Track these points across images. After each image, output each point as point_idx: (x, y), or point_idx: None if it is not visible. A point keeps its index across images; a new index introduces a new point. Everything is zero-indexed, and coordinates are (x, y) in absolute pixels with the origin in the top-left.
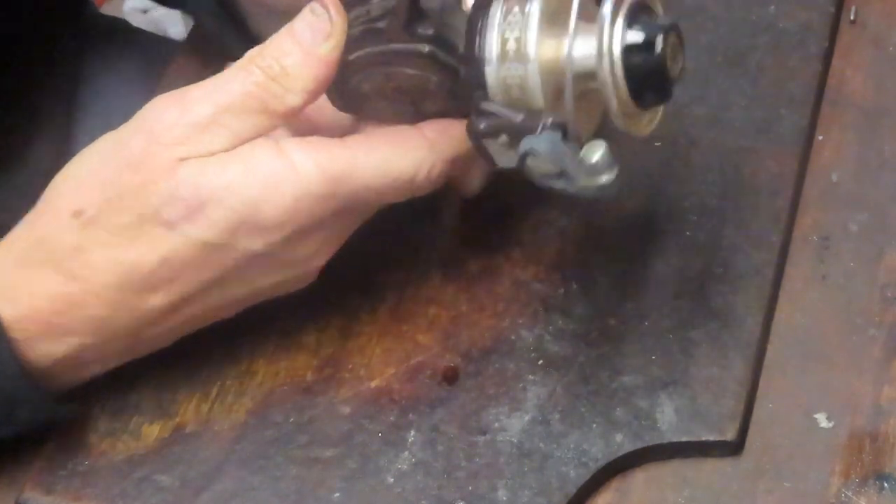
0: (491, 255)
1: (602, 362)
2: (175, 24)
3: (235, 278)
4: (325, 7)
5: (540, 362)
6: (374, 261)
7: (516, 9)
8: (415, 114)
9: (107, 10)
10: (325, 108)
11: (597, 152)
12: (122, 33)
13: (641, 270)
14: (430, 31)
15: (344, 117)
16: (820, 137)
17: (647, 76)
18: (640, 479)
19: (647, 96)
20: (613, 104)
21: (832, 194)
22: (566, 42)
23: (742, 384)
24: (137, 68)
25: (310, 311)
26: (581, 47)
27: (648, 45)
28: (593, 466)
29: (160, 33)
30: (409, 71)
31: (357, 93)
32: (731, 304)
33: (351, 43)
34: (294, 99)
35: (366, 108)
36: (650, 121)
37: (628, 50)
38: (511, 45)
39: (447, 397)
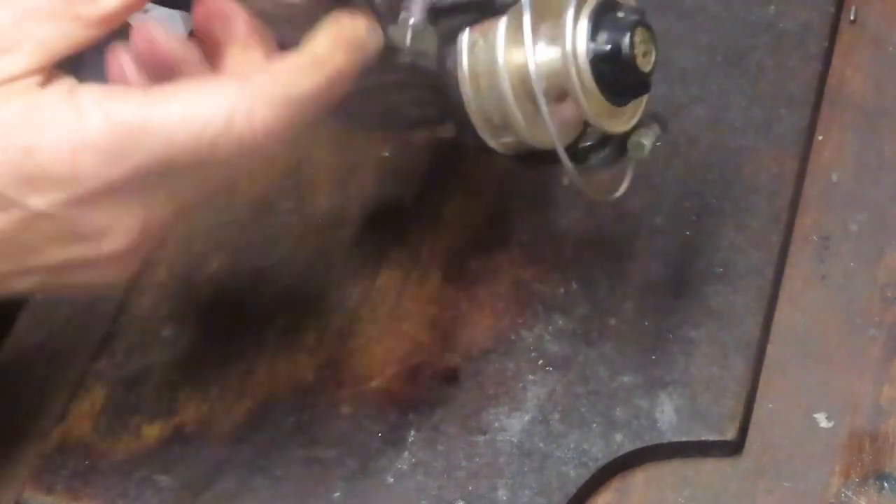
0: (491, 255)
1: (602, 362)
2: (175, 24)
3: (17, 244)
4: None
5: (540, 362)
6: (373, 261)
7: (480, 40)
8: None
9: None
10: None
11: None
12: (121, 33)
13: (641, 270)
14: (406, 61)
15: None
16: (820, 137)
17: (618, 78)
18: (640, 479)
19: (621, 96)
20: (587, 109)
21: (832, 194)
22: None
23: (742, 384)
24: None
25: (310, 311)
26: (546, 56)
27: (615, 47)
28: (593, 466)
29: None
30: (393, 97)
31: (348, 113)
32: (731, 304)
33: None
34: (108, 2)
35: (358, 122)
36: (632, 115)
37: (595, 55)
38: (483, 81)
39: (447, 397)
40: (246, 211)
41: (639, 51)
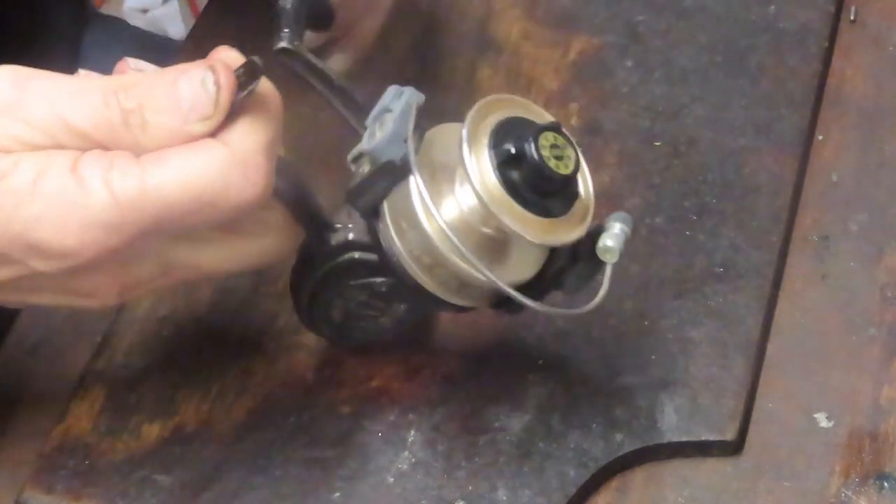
0: None
1: (602, 362)
2: (175, 24)
3: (14, 287)
4: (218, 85)
5: (540, 362)
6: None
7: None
8: (393, 317)
9: (106, 9)
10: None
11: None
12: (121, 33)
13: (641, 270)
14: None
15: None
16: (820, 137)
17: (535, 186)
18: (640, 479)
19: (548, 205)
20: (521, 230)
21: (832, 194)
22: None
23: (742, 384)
24: None
25: None
26: (465, 199)
27: (518, 155)
28: (593, 466)
29: (160, 33)
30: (353, 283)
31: (336, 323)
32: (731, 304)
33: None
34: (131, 157)
35: (356, 333)
36: (581, 219)
37: (501, 175)
38: (419, 252)
39: (447, 397)
40: None
41: (549, 153)
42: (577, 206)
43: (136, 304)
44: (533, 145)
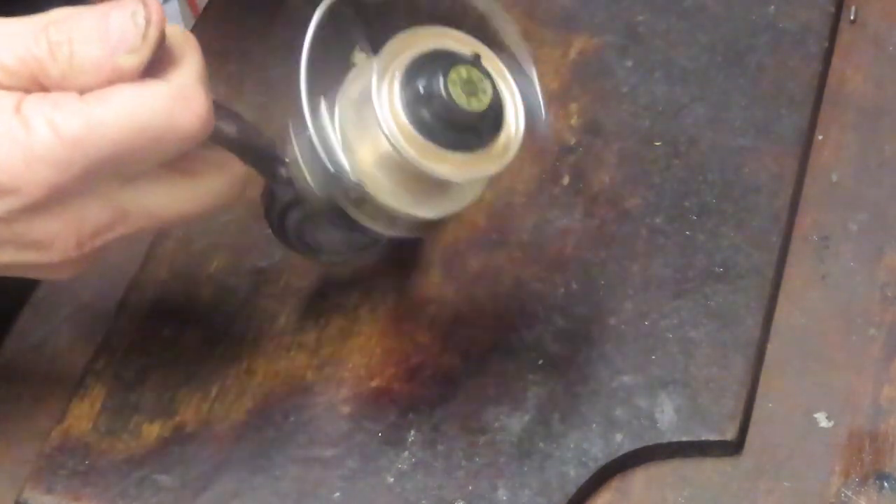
0: (491, 255)
1: (602, 362)
2: (175, 24)
3: None
4: (148, 20)
5: (540, 362)
6: (374, 261)
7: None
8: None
9: None
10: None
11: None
12: None
13: (641, 270)
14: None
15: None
16: (820, 137)
17: (457, 129)
18: (640, 479)
19: (475, 140)
20: (437, 172)
21: (832, 194)
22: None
23: (742, 384)
24: None
25: (310, 311)
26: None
27: (434, 102)
28: (593, 466)
29: None
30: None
31: (312, 246)
32: (731, 304)
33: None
34: (75, 96)
35: (333, 256)
36: (503, 151)
37: (416, 121)
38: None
39: (447, 397)
40: (246, 211)
41: (460, 89)
42: (503, 137)
43: (136, 303)
44: (441, 82)
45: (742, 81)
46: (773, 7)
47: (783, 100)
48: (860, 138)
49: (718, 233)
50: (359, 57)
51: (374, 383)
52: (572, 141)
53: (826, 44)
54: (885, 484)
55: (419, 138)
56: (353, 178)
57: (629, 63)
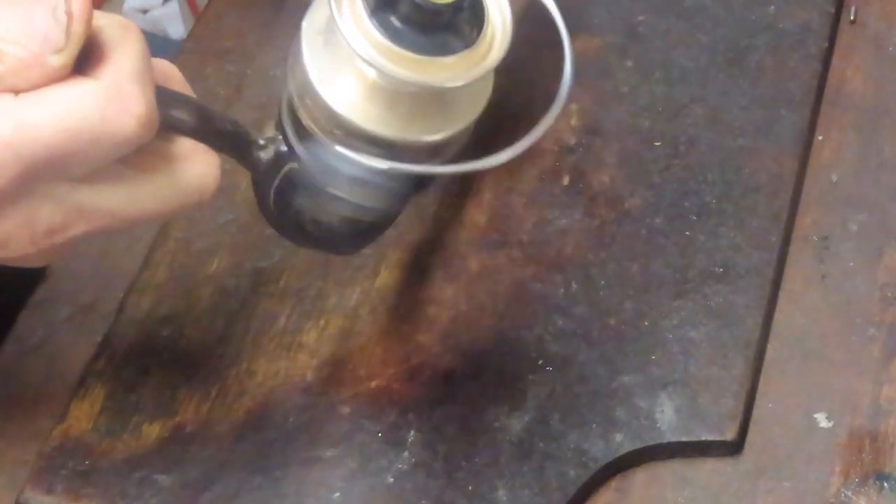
0: (491, 255)
1: (602, 362)
2: (175, 24)
3: None
4: (69, 15)
5: (540, 362)
6: (373, 261)
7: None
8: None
9: (107, 10)
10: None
11: None
12: None
13: (641, 270)
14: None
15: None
16: (820, 137)
17: (423, 28)
18: (640, 479)
19: (455, 40)
20: (416, 78)
21: (832, 194)
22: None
23: (742, 384)
24: None
25: (310, 311)
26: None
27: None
28: (593, 466)
29: (160, 33)
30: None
31: (311, 233)
32: (731, 304)
33: None
34: (9, 97)
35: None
36: (492, 45)
37: (385, 28)
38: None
39: (447, 397)
40: (246, 211)
41: None
42: (489, 31)
43: (136, 304)
44: None
45: (742, 82)
46: (772, 7)
47: (783, 100)
48: (860, 138)
49: (718, 233)
50: None
51: (374, 383)
52: (572, 141)
53: (826, 44)
54: (885, 484)
55: (396, 50)
56: (338, 111)
57: (629, 63)
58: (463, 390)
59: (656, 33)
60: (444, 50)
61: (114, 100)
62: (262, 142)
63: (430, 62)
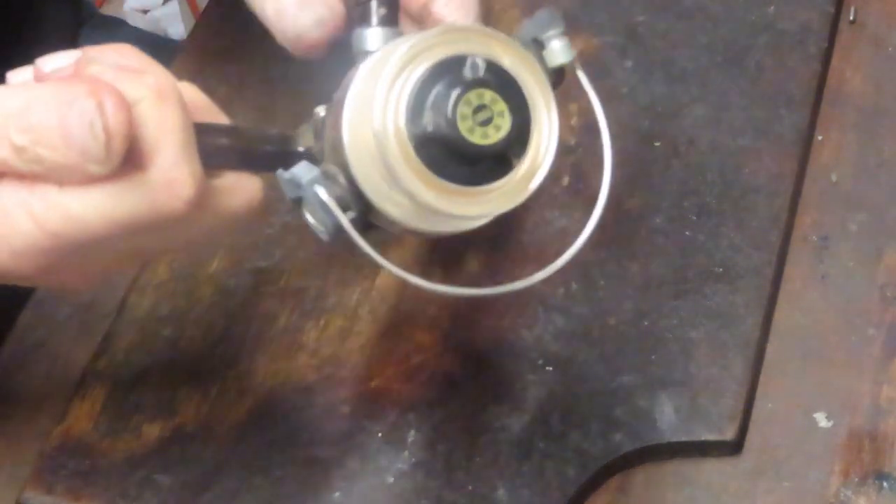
0: (491, 254)
1: (602, 362)
2: (175, 24)
3: None
4: (107, 133)
5: (540, 362)
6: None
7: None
8: None
9: (107, 10)
10: None
11: None
12: (121, 33)
13: (641, 270)
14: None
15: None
16: (819, 137)
17: (448, 157)
18: (639, 479)
19: (464, 174)
20: (447, 209)
21: (832, 194)
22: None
23: (741, 384)
24: None
25: (310, 311)
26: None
27: (435, 127)
28: (593, 466)
29: (160, 33)
30: None
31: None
32: (731, 304)
33: None
34: (42, 184)
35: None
36: (531, 175)
37: (413, 138)
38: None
39: (447, 397)
40: None
41: (472, 122)
42: (526, 164)
43: (136, 304)
44: (446, 116)
45: (742, 81)
46: (772, 7)
47: (783, 100)
48: (860, 138)
49: (718, 233)
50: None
51: (374, 383)
52: (572, 141)
53: (825, 44)
54: (885, 484)
55: (434, 180)
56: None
57: (629, 63)
58: (463, 390)
59: (656, 33)
60: (480, 178)
61: (163, 190)
62: (300, 149)
63: (461, 191)
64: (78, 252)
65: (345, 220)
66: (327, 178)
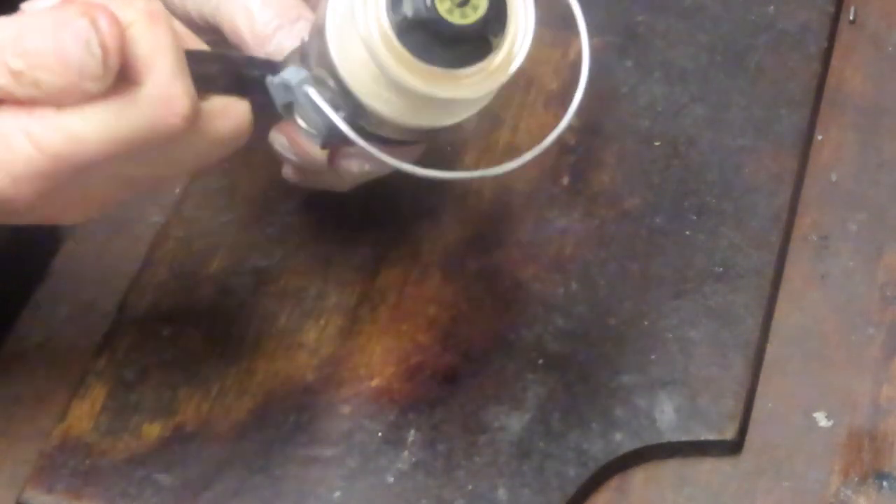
0: (491, 255)
1: (602, 362)
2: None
3: None
4: (104, 48)
5: (540, 362)
6: (373, 261)
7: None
8: None
9: None
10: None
11: None
12: None
13: (641, 270)
14: None
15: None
16: (819, 137)
17: (450, 45)
18: (639, 479)
19: (441, 55)
20: (425, 89)
21: (832, 194)
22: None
23: (741, 384)
24: None
25: (310, 311)
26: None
27: (420, 22)
28: (593, 466)
29: None
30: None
31: None
32: (731, 304)
33: None
34: (41, 107)
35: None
36: (509, 59)
37: (393, 21)
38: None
39: (447, 397)
40: (246, 211)
41: (448, 2)
42: (506, 47)
43: (136, 304)
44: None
45: (741, 81)
46: (772, 7)
47: (783, 100)
48: (860, 138)
49: (718, 233)
50: None
51: (374, 383)
52: (572, 141)
53: (825, 44)
54: (885, 483)
55: (414, 62)
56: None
57: (629, 63)
58: (463, 390)
59: (656, 33)
60: (462, 61)
61: (160, 105)
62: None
63: (445, 75)
64: (77, 177)
65: (336, 117)
66: (317, 82)
